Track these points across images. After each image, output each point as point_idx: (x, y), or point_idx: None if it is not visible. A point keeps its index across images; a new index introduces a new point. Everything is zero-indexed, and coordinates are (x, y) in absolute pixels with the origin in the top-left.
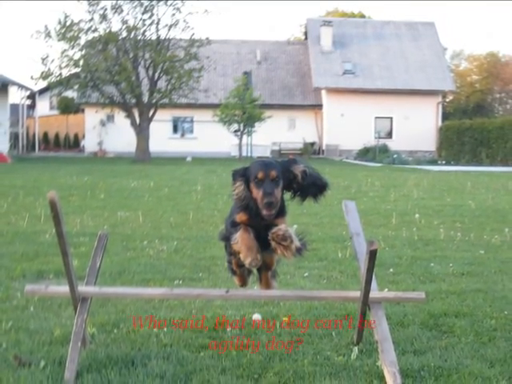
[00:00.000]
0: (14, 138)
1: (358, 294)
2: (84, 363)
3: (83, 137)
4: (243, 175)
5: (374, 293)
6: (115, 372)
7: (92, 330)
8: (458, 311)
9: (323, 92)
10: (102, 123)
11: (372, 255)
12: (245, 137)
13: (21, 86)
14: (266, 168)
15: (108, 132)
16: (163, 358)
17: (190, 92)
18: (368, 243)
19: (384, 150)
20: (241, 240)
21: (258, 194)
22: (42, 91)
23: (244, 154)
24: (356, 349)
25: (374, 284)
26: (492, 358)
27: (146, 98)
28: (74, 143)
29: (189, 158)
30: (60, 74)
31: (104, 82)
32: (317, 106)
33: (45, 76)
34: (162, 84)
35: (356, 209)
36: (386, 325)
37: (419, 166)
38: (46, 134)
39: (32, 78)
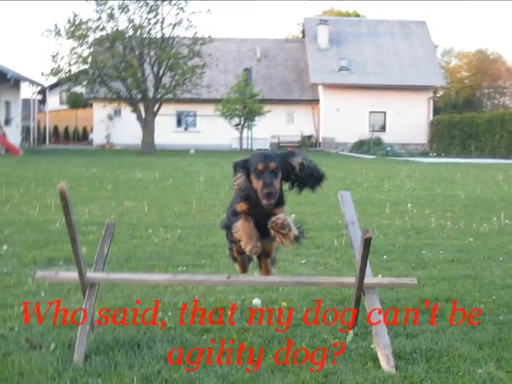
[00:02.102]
0: (26, 131)
1: (353, 279)
2: (92, 346)
3: (91, 130)
4: (244, 167)
5: (369, 278)
6: (122, 354)
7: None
8: (448, 296)
9: (320, 87)
10: (110, 117)
11: (366, 243)
12: (245, 130)
13: (32, 82)
14: (265, 160)
15: (115, 125)
16: (167, 341)
17: (193, 88)
18: (363, 231)
19: (378, 142)
20: (241, 228)
21: (257, 184)
22: (53, 87)
23: (245, 146)
24: (351, 332)
25: (368, 270)
26: (481, 340)
27: (151, 94)
28: (83, 136)
29: (192, 151)
30: (69, 71)
31: (111, 78)
32: (314, 101)
33: (55, 72)
34: (166, 80)
35: (351, 199)
36: (380, 309)
37: (411, 158)
38: (56, 128)
39: (43, 74)
